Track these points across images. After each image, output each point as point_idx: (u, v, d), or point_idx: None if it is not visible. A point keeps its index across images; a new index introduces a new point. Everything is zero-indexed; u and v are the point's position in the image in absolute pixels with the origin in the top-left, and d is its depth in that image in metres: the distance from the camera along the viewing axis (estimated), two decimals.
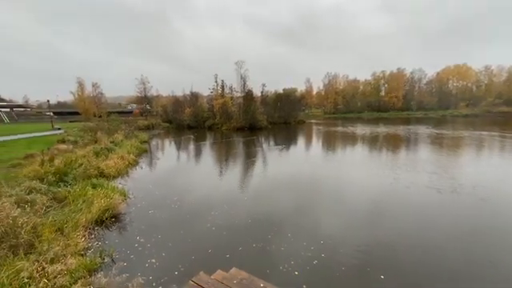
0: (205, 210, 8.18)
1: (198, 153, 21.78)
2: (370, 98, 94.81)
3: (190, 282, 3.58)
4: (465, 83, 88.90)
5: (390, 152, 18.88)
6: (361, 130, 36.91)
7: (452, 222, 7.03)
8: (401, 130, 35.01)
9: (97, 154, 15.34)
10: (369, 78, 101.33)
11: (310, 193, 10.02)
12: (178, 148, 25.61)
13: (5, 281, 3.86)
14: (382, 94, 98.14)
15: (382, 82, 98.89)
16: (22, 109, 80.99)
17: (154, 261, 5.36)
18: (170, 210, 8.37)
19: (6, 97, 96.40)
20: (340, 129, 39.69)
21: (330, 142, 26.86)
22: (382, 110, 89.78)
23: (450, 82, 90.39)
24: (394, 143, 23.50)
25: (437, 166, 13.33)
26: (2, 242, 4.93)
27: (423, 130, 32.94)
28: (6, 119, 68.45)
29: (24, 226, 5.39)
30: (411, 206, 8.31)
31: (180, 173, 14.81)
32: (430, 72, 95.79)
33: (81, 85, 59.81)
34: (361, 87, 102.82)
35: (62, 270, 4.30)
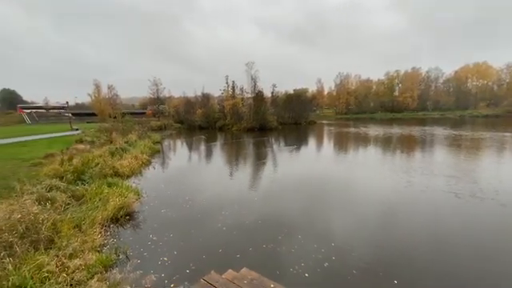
0: (215, 210, 8.28)
1: (209, 153, 22.04)
2: (383, 98, 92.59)
3: (202, 280, 3.64)
4: (485, 82, 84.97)
5: (404, 154, 18.35)
6: (374, 130, 36.12)
7: (470, 229, 6.75)
8: (416, 131, 33.95)
9: (112, 154, 15.84)
10: (382, 77, 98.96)
11: (321, 194, 9.92)
12: (190, 148, 26.01)
13: (27, 274, 4.04)
14: (396, 93, 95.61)
15: (396, 81, 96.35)
16: (56, 110, 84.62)
17: (166, 259, 5.48)
18: (182, 210, 8.52)
19: (28, 99, 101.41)
20: (352, 130, 39.00)
21: (341, 143, 26.45)
22: (396, 111, 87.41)
23: (469, 80, 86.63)
24: (408, 145, 22.83)
25: (455, 170, 12.82)
26: (24, 237, 5.19)
27: (440, 131, 31.80)
28: (28, 120, 71.91)
29: (44, 222, 5.65)
30: (426, 210, 8.01)
31: (191, 173, 15.04)
32: (448, 71, 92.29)
33: (97, 87, 62.03)
34: (374, 87, 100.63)
35: (80, 265, 4.49)
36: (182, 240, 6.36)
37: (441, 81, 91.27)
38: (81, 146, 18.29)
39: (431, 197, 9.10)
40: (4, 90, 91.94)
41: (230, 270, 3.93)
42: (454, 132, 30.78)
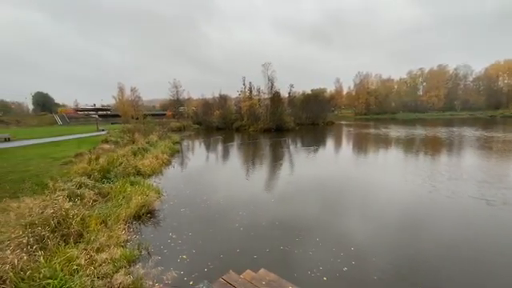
0: (233, 210, 8.37)
1: (226, 154, 22.32)
2: (405, 98, 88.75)
3: (220, 279, 3.70)
4: None
5: (429, 157, 17.40)
6: (395, 132, 34.67)
7: (501, 238, 6.26)
8: (442, 132, 32.11)
9: (134, 154, 16.55)
10: (404, 76, 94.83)
11: (339, 197, 9.68)
12: (207, 149, 26.51)
13: (57, 267, 4.29)
14: (420, 93, 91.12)
15: (420, 80, 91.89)
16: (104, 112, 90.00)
17: (184, 257, 5.62)
18: (200, 209, 8.70)
19: (59, 101, 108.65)
20: (372, 131, 37.71)
21: (360, 144, 25.66)
22: (420, 111, 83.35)
23: (500, 78, 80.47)
24: (433, 147, 21.64)
25: (487, 174, 11.85)
26: (56, 231, 5.55)
27: (470, 133, 29.82)
28: (59, 121, 77.10)
29: (74, 217, 6.02)
30: (453, 217, 7.50)
31: (209, 173, 15.32)
32: (478, 68, 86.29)
33: (121, 89, 65.23)
34: (395, 86, 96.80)
35: (106, 259, 4.74)
36: (200, 239, 6.49)
37: (470, 79, 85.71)
38: (106, 146, 19.29)
39: (458, 203, 8.52)
40: (38, 93, 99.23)
41: (248, 271, 3.95)
42: (485, 133, 28.73)
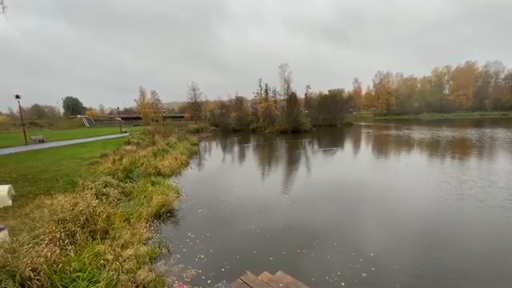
0: (249, 212, 8.43)
1: (242, 155, 22.51)
2: (430, 98, 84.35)
3: (238, 279, 3.76)
4: None
5: (456, 161, 16.37)
6: (419, 133, 33.04)
7: None
8: (472, 133, 30.11)
9: (155, 155, 17.19)
10: (428, 74, 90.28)
11: (358, 201, 9.41)
12: (224, 150, 26.89)
13: (86, 261, 4.57)
14: (446, 92, 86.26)
15: (446, 78, 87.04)
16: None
17: (202, 256, 5.76)
18: (218, 209, 8.86)
19: (87, 105, 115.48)
20: (393, 132, 36.24)
21: (380, 147, 24.76)
22: (446, 111, 78.85)
23: None
24: (462, 150, 20.34)
25: None
26: (84, 227, 5.91)
27: (504, 134, 27.69)
28: (87, 123, 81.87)
29: (101, 214, 6.38)
30: (481, 229, 6.88)
31: (226, 174, 15.53)
32: (510, 65, 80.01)
33: (142, 93, 67.99)
34: (418, 85, 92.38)
35: (130, 255, 4.98)
36: (217, 239, 6.61)
37: (502, 76, 79.73)
38: (129, 147, 20.21)
39: (489, 213, 7.83)
40: (68, 97, 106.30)
41: (265, 272, 3.98)
42: None
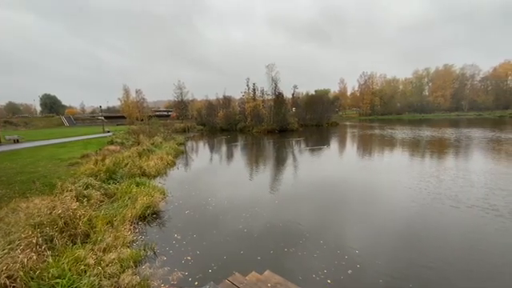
0: (236, 212, 8.39)
1: (230, 155, 22.38)
2: (411, 99, 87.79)
3: (226, 281, 3.73)
4: None
5: (435, 160, 17.13)
6: (401, 133, 34.30)
7: (500, 246, 6.12)
8: (450, 133, 31.64)
9: (140, 155, 16.73)
10: (409, 76, 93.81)
11: (343, 200, 9.61)
12: (211, 150, 26.62)
13: (65, 267, 4.35)
14: (426, 93, 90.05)
15: (426, 80, 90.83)
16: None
17: (189, 258, 5.67)
18: (204, 210, 8.76)
19: (67, 103, 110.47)
20: (377, 132, 37.39)
21: (364, 146, 25.45)
22: (426, 111, 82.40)
23: (510, 78, 79.03)
24: (441, 149, 21.33)
25: (508, 182, 10.76)
26: (63, 231, 5.64)
27: (479, 134, 29.25)
28: (66, 123, 78.32)
29: (82, 217, 6.13)
30: (459, 229, 6.98)
31: (213, 174, 15.38)
32: (486, 67, 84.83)
33: (126, 91, 65.97)
34: (400, 87, 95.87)
35: (113, 259, 4.81)
36: (204, 240, 6.53)
37: (478, 78, 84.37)
38: (112, 147, 19.54)
39: (466, 213, 8.13)
40: (45, 95, 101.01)
41: (253, 272, 3.97)
42: (497, 134, 28.20)
